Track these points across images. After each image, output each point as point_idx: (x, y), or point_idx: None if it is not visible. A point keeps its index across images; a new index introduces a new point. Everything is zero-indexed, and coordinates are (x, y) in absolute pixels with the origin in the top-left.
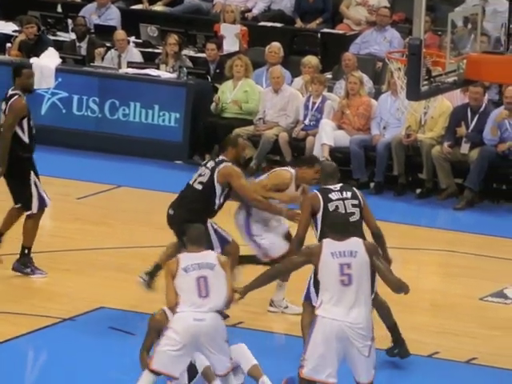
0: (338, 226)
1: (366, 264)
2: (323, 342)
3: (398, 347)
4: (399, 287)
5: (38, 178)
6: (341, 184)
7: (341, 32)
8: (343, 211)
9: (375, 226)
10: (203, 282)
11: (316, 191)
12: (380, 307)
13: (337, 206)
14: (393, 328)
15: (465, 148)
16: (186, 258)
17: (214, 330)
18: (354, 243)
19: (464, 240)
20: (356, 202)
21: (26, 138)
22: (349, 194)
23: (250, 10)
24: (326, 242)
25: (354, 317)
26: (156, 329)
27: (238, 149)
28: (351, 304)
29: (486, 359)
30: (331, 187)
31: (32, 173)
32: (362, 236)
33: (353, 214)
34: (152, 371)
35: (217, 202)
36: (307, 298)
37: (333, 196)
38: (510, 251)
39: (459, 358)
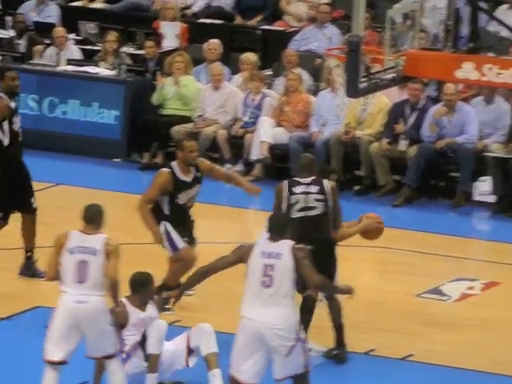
0: (274, 225)
1: (290, 267)
2: (244, 343)
3: (339, 350)
4: (317, 285)
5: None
6: (312, 178)
7: (280, 29)
8: (303, 205)
9: (340, 223)
10: (83, 267)
11: (285, 182)
12: (332, 307)
13: (298, 200)
14: (339, 329)
15: (403, 145)
16: (74, 238)
17: (94, 313)
18: (282, 245)
19: (401, 237)
20: (321, 197)
21: (5, 141)
22: (315, 189)
23: (189, 7)
24: (260, 241)
25: (271, 317)
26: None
27: (185, 152)
28: (269, 305)
29: (423, 356)
30: (300, 180)
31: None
32: (322, 230)
33: (313, 208)
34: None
35: (164, 207)
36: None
37: (297, 189)
38: (448, 248)
39: (395, 355)
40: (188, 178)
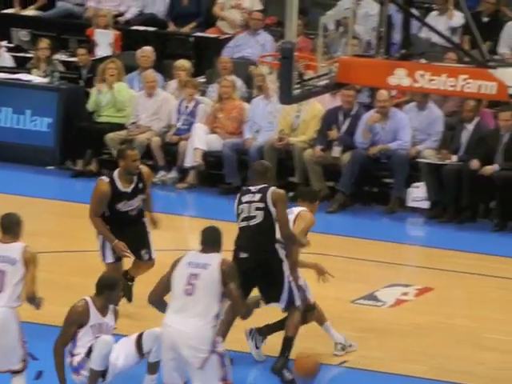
0: (206, 238)
1: (216, 279)
2: (164, 350)
3: (280, 360)
4: (239, 312)
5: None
6: (261, 186)
7: (214, 36)
8: (246, 214)
9: (284, 233)
10: (0, 277)
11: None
12: (289, 318)
13: (242, 210)
14: (285, 341)
15: (336, 151)
16: None
17: (2, 326)
18: (212, 258)
19: (336, 243)
20: (261, 205)
21: None
22: (257, 197)
23: (122, 14)
24: (190, 253)
25: (185, 326)
26: (77, 322)
27: (127, 160)
28: (188, 313)
29: (359, 362)
30: (251, 188)
31: None
32: (260, 241)
33: (254, 217)
34: None
35: (106, 213)
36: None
37: (244, 198)
38: (382, 254)
39: (331, 362)
40: (128, 189)
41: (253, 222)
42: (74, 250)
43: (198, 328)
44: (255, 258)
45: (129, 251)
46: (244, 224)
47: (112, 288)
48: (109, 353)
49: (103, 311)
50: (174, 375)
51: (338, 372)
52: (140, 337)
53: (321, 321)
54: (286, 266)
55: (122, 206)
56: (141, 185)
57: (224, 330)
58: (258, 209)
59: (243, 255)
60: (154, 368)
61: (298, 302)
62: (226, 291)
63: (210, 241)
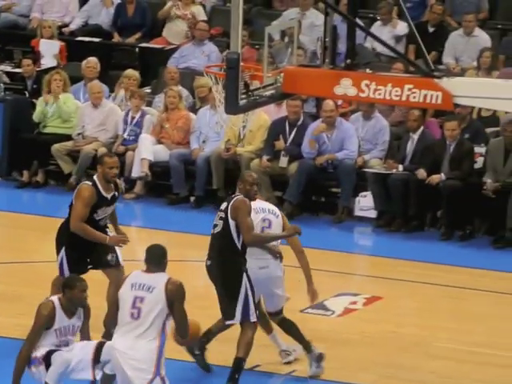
0: (150, 257)
1: (161, 301)
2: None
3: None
4: (183, 334)
5: None
6: (234, 196)
7: (159, 46)
8: (214, 222)
9: (246, 239)
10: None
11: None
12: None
13: (214, 218)
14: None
15: (283, 161)
16: None
17: None
18: (157, 278)
19: (284, 253)
20: (223, 214)
21: None
22: (223, 206)
23: (67, 25)
24: (134, 273)
25: (130, 347)
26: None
27: (104, 167)
28: (133, 336)
29: (307, 371)
30: (232, 197)
31: None
32: (220, 249)
33: (216, 225)
34: None
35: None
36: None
37: (220, 207)
38: (330, 263)
39: (280, 371)
40: (108, 195)
41: (216, 231)
42: (23, 260)
43: (142, 350)
44: (216, 265)
45: (127, 237)
46: (211, 231)
47: (70, 287)
48: (65, 371)
49: (68, 312)
50: None
51: (287, 381)
52: (101, 345)
53: (268, 330)
54: (245, 278)
55: (101, 213)
56: (116, 194)
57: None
58: (220, 218)
59: (207, 262)
60: (108, 381)
61: (252, 318)
62: (172, 312)
63: (155, 259)
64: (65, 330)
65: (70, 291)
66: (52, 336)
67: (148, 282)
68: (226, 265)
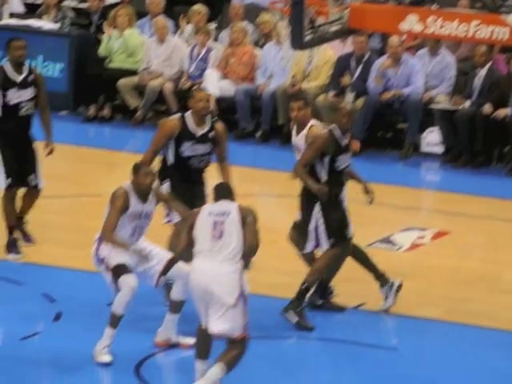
0: (219, 194)
1: (238, 224)
2: (194, 290)
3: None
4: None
5: (4, 156)
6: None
7: None
8: None
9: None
10: None
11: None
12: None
13: None
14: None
15: (349, 97)
16: None
17: None
18: (229, 206)
19: (350, 188)
20: None
21: None
22: None
23: None
24: (206, 206)
25: (217, 268)
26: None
27: (194, 100)
28: (218, 258)
29: (375, 305)
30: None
31: None
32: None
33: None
34: None
35: (169, 157)
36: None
37: None
38: (397, 198)
39: (349, 304)
40: (198, 132)
41: None
42: (88, 194)
43: (228, 272)
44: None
45: None
46: None
47: (135, 172)
48: (131, 299)
49: (141, 198)
50: (203, 314)
51: (355, 314)
52: (173, 262)
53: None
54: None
55: (187, 149)
56: (212, 134)
57: None
58: None
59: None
60: (176, 307)
61: (324, 246)
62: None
63: (225, 195)
64: (139, 215)
65: (135, 176)
66: (126, 221)
67: (223, 209)
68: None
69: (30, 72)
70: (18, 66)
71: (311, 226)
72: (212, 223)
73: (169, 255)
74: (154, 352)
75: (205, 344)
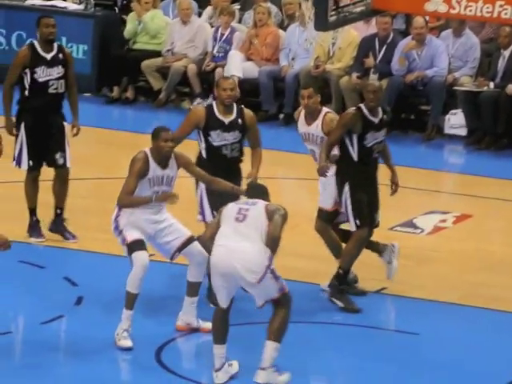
0: (251, 192)
1: (263, 215)
2: (217, 269)
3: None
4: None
5: (30, 136)
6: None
7: None
8: None
9: None
10: None
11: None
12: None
13: None
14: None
15: (373, 79)
16: None
17: None
18: (257, 200)
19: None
20: None
21: (26, 90)
22: None
23: None
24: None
25: (240, 247)
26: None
27: (218, 89)
28: (241, 238)
29: (396, 289)
30: None
31: (23, 127)
32: None
33: None
34: None
35: (201, 150)
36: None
37: None
38: (419, 181)
39: (369, 288)
40: (225, 119)
41: None
42: (111, 176)
43: (251, 251)
44: None
45: None
46: None
47: (155, 137)
48: (143, 276)
49: (161, 163)
50: (223, 296)
51: (376, 298)
52: (191, 240)
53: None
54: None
55: (214, 137)
56: (240, 121)
57: None
58: None
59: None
60: (193, 290)
61: (352, 226)
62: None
63: (258, 194)
64: (158, 180)
65: (155, 141)
66: (146, 186)
67: (250, 200)
68: None
69: (60, 50)
70: (47, 44)
71: (342, 205)
72: (237, 209)
73: (188, 232)
74: (174, 337)
75: (222, 328)
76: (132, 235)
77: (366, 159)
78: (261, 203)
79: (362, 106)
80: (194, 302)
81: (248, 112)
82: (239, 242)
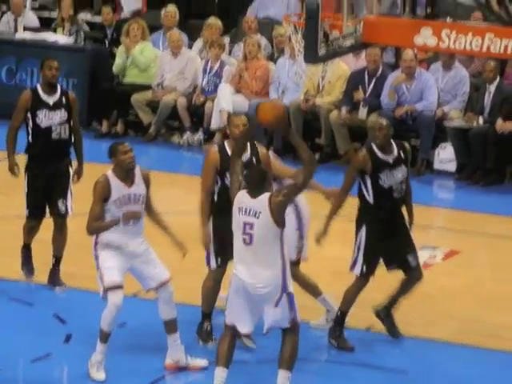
0: (250, 182)
1: (270, 224)
2: (235, 295)
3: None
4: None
5: (32, 184)
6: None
7: None
8: None
9: None
10: None
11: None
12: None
13: None
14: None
15: (362, 113)
16: None
17: None
18: (260, 203)
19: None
20: None
21: (30, 136)
22: None
23: None
24: (240, 194)
25: (253, 276)
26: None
27: (230, 126)
28: (252, 264)
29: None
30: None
31: (26, 175)
32: None
33: None
34: None
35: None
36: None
37: None
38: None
39: (360, 326)
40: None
41: None
42: None
43: (266, 278)
44: None
45: None
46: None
47: (114, 154)
48: (116, 315)
49: (126, 181)
50: (245, 321)
51: (365, 335)
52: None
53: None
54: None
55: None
56: (253, 158)
57: None
58: None
59: None
60: (170, 327)
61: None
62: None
63: (256, 183)
64: (125, 199)
65: (115, 158)
66: (114, 208)
67: (254, 207)
68: None
69: (63, 94)
70: (50, 87)
71: (355, 245)
72: (242, 225)
73: (166, 274)
74: (161, 375)
75: (228, 352)
76: (110, 275)
77: (384, 201)
78: (264, 210)
79: (371, 145)
80: (175, 338)
81: (262, 149)
82: (252, 271)
